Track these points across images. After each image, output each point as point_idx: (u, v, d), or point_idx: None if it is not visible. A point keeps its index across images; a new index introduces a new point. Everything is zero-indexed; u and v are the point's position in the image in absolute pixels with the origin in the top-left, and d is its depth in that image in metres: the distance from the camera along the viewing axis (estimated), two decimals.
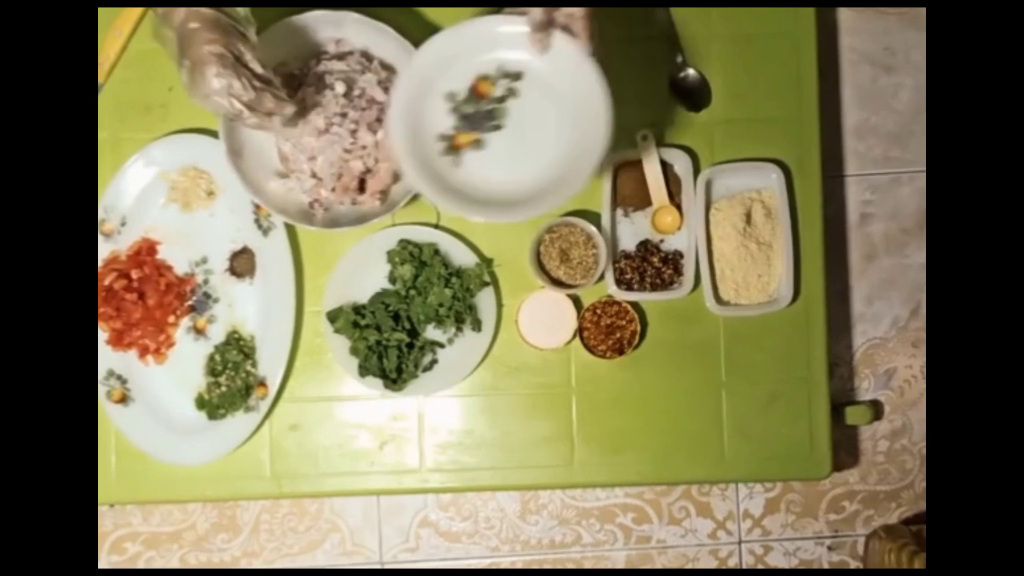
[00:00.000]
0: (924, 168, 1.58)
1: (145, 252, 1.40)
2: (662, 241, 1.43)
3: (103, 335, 1.39)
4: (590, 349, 1.40)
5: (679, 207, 1.42)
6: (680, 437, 1.42)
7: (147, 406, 1.38)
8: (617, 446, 1.42)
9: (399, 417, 1.42)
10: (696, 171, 1.42)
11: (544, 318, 1.41)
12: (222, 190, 1.40)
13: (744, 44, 1.44)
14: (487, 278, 1.40)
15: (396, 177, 1.36)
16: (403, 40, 1.35)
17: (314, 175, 1.34)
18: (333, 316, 1.39)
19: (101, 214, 1.39)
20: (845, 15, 1.59)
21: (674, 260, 1.42)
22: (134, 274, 1.38)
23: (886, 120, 1.58)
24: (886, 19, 1.59)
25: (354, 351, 1.39)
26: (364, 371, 1.39)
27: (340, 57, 1.36)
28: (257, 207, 1.38)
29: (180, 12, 1.14)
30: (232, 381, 1.38)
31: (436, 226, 1.42)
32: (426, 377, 1.41)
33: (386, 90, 1.33)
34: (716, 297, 1.41)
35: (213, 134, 1.38)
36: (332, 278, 1.40)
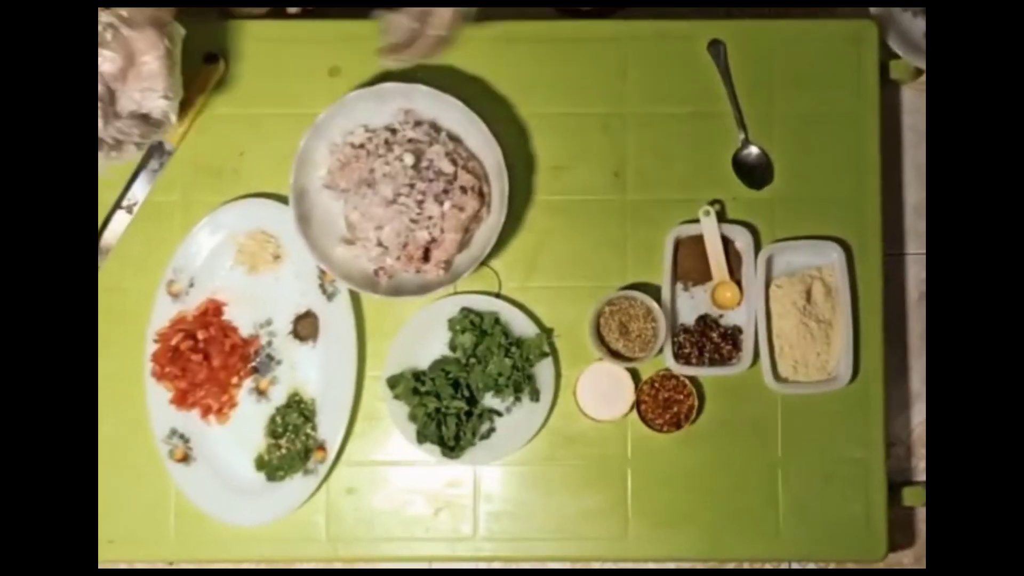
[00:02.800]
0: None
1: (212, 313, 1.42)
2: (721, 316, 1.43)
3: (168, 394, 1.40)
4: (647, 422, 1.40)
5: (739, 283, 1.43)
6: (735, 513, 1.42)
7: (208, 466, 1.40)
8: (671, 520, 1.42)
9: (454, 484, 1.43)
10: (757, 247, 1.42)
11: (602, 390, 1.41)
12: (288, 254, 1.42)
13: (807, 123, 1.45)
14: (547, 348, 1.41)
15: (461, 247, 1.38)
16: (470, 112, 1.37)
17: (380, 243, 1.36)
18: (393, 382, 1.40)
19: (170, 275, 1.41)
20: (908, 95, 1.60)
21: (733, 336, 1.42)
22: (200, 335, 1.40)
23: None
24: None
25: (413, 417, 1.40)
26: (422, 437, 1.40)
27: (409, 128, 1.38)
28: (322, 272, 1.40)
29: None
30: (292, 444, 1.40)
31: (498, 295, 1.43)
32: (483, 445, 1.41)
33: (453, 161, 1.36)
34: (775, 374, 1.41)
35: (282, 199, 1.41)
36: (394, 344, 1.41)
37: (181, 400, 1.41)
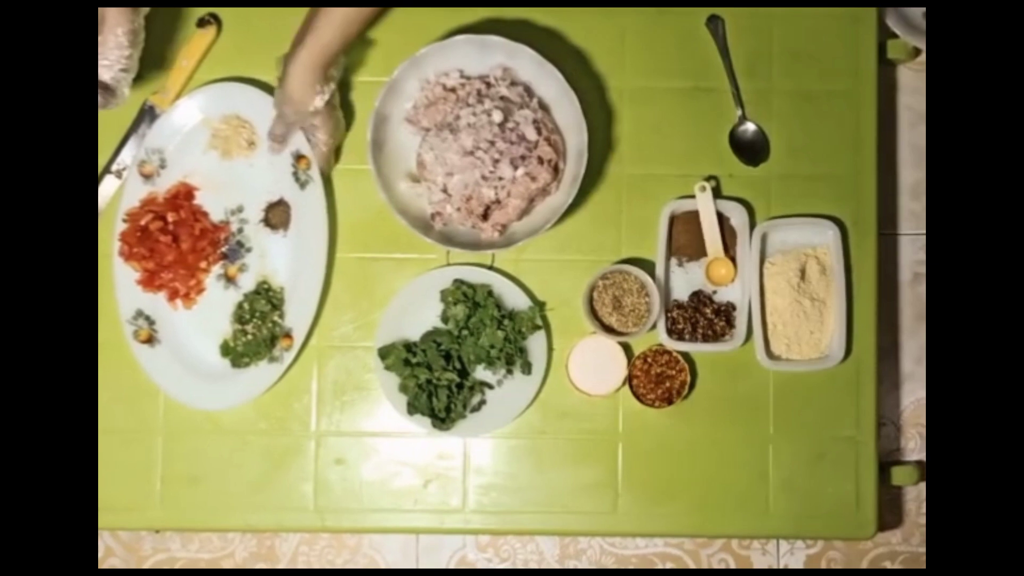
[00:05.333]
0: None
1: (183, 196, 1.41)
2: (715, 292, 1.43)
3: (134, 275, 1.40)
4: (639, 397, 1.40)
5: (733, 259, 1.42)
6: (725, 490, 1.42)
7: (173, 349, 1.40)
8: (661, 496, 1.41)
9: (445, 456, 1.42)
10: (752, 224, 1.42)
11: (594, 364, 1.41)
12: (262, 141, 1.41)
13: (804, 101, 1.45)
14: (539, 322, 1.40)
15: (521, 215, 1.37)
16: (567, 86, 1.35)
17: (445, 190, 1.35)
18: (384, 352, 1.39)
19: (143, 155, 1.40)
20: (905, 75, 1.59)
21: (726, 312, 1.42)
22: (170, 216, 1.39)
23: None
24: None
25: (403, 388, 1.39)
26: (413, 409, 1.39)
27: (505, 85, 1.37)
28: (297, 160, 1.39)
29: None
30: (259, 330, 1.39)
31: (491, 267, 1.42)
32: (474, 417, 1.41)
33: (538, 130, 1.34)
34: (767, 351, 1.41)
35: (260, 84, 1.41)
36: (385, 314, 1.40)
37: (148, 282, 1.39)
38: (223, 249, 1.41)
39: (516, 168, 1.33)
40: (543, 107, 1.39)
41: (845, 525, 1.42)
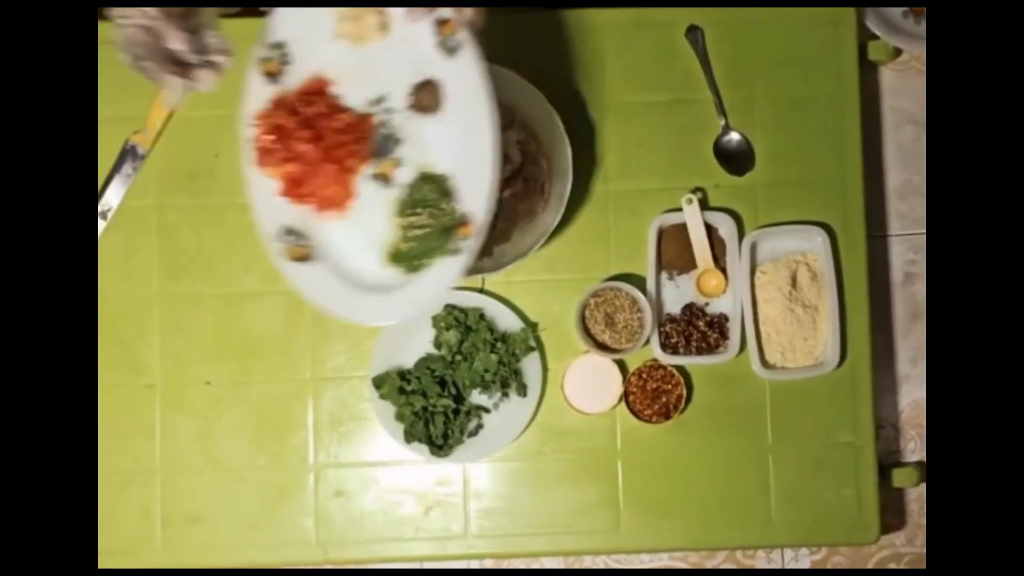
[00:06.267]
0: None
1: (316, 92, 1.22)
2: (707, 304, 1.43)
3: (276, 186, 1.21)
4: (636, 414, 1.40)
5: (724, 270, 1.42)
6: (726, 502, 1.41)
7: (332, 265, 1.22)
8: (663, 511, 1.41)
9: (444, 482, 1.41)
10: (741, 234, 1.42)
11: (589, 383, 1.41)
12: (395, 20, 1.19)
13: (787, 107, 1.44)
14: (532, 343, 1.40)
15: (508, 238, 1.36)
16: (549, 106, 1.33)
17: None
18: (379, 382, 1.39)
19: (262, 52, 1.22)
20: (887, 75, 1.59)
21: (719, 323, 1.42)
22: (306, 111, 1.20)
23: None
24: None
25: (400, 417, 1.39)
26: (410, 437, 1.38)
27: None
28: (439, 25, 1.16)
29: None
30: (431, 222, 1.19)
31: (481, 291, 1.42)
32: (472, 442, 1.40)
33: (523, 152, 1.33)
34: (762, 361, 1.41)
35: None
36: (378, 343, 1.40)
37: (292, 192, 1.21)
38: (371, 146, 1.21)
39: (502, 191, 1.33)
40: (526, 128, 1.38)
41: (848, 530, 1.42)
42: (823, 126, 1.45)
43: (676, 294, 1.43)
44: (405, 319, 1.23)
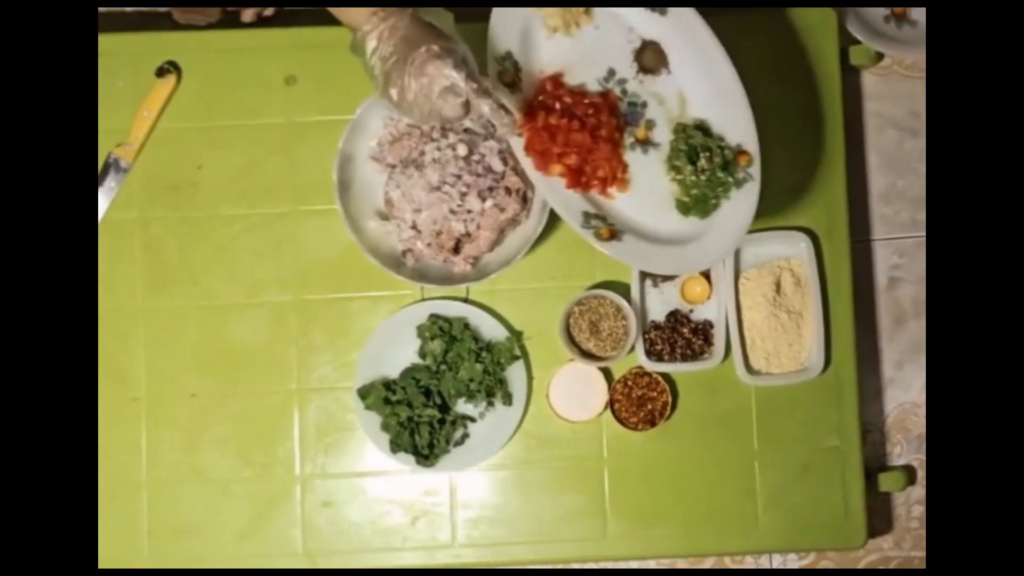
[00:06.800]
0: None
1: (554, 87, 1.30)
2: (692, 311, 1.43)
3: (562, 182, 1.28)
4: (621, 421, 1.40)
5: (708, 277, 1.42)
6: (713, 508, 1.42)
7: (636, 234, 1.28)
8: (650, 518, 1.41)
9: (431, 492, 1.41)
10: None
11: (575, 391, 1.41)
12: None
13: (769, 113, 1.43)
14: (517, 352, 1.40)
15: (492, 247, 1.37)
16: None
17: (414, 226, 1.34)
18: (364, 392, 1.39)
19: (495, 66, 1.28)
20: (870, 80, 1.59)
21: (704, 330, 1.42)
22: (557, 105, 1.28)
23: (912, 184, 1.58)
24: (911, 83, 1.59)
25: (385, 427, 1.39)
26: (396, 447, 1.38)
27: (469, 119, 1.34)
28: None
29: (390, 21, 1.13)
30: (708, 165, 1.27)
31: (466, 300, 1.42)
32: (458, 452, 1.40)
33: (504, 161, 1.34)
34: (747, 367, 1.41)
35: None
36: (363, 354, 1.40)
37: (575, 181, 1.27)
38: (621, 118, 1.30)
39: (484, 200, 1.33)
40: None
41: (835, 535, 1.43)
42: (806, 131, 1.46)
43: (660, 301, 1.43)
44: (725, 256, 1.33)
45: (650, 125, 1.31)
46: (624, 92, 1.32)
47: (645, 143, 1.31)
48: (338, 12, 1.15)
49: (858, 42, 1.54)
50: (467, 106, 1.14)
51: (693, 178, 1.28)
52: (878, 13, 1.58)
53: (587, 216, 1.27)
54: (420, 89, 1.13)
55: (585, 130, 1.27)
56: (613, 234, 1.26)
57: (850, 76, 1.57)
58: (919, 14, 1.58)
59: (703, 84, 1.31)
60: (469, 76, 1.12)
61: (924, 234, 1.58)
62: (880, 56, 1.57)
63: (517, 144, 1.26)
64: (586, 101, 1.28)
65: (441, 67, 1.12)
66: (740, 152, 1.29)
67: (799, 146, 1.45)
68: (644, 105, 1.31)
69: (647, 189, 1.30)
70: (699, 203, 1.29)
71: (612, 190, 1.29)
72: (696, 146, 1.28)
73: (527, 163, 1.26)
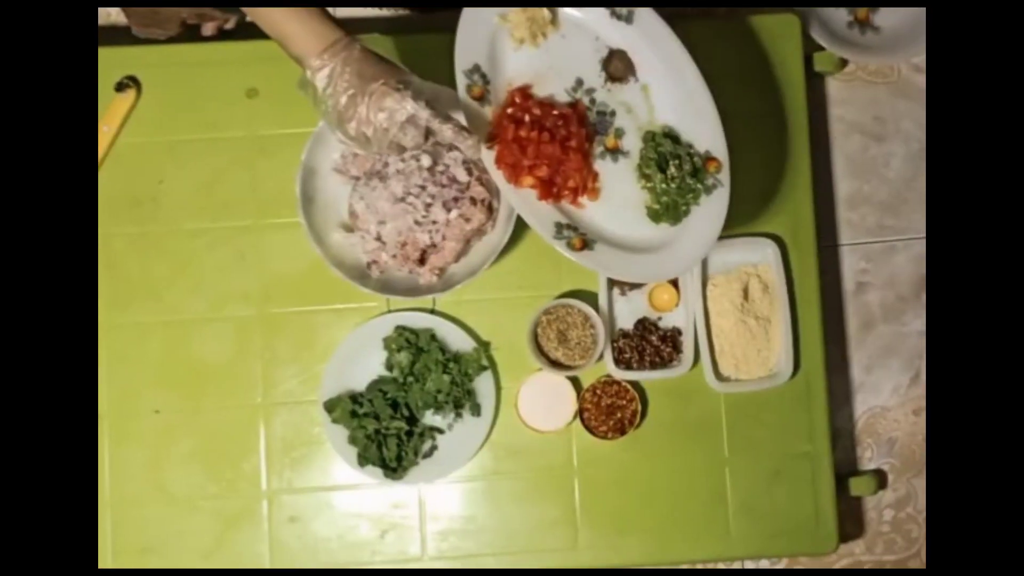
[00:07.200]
0: (918, 235, 1.59)
1: (523, 98, 1.29)
2: (660, 319, 1.42)
3: (533, 194, 1.26)
4: (591, 430, 1.39)
5: (675, 284, 1.42)
6: (684, 516, 1.41)
7: (608, 243, 1.27)
8: (621, 527, 1.40)
9: (399, 505, 1.40)
10: None
11: (544, 400, 1.40)
12: (561, 11, 1.32)
13: (734, 120, 1.43)
14: (485, 362, 1.39)
15: (458, 257, 1.36)
16: None
17: (379, 238, 1.33)
18: (331, 406, 1.38)
19: (464, 80, 1.27)
20: (834, 86, 1.59)
21: (672, 338, 1.41)
22: (526, 117, 1.27)
23: (878, 189, 1.58)
24: (875, 89, 1.60)
25: (353, 440, 1.37)
26: (363, 460, 1.37)
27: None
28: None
29: (340, 56, 1.13)
30: (677, 172, 1.28)
31: (432, 311, 1.41)
32: (426, 464, 1.39)
33: (468, 171, 1.33)
34: (716, 373, 1.40)
35: None
36: (329, 367, 1.39)
37: (546, 192, 1.26)
38: (591, 128, 1.30)
39: (449, 211, 1.32)
40: None
41: (807, 540, 1.42)
42: (771, 138, 1.46)
43: (628, 309, 1.43)
44: (697, 262, 1.35)
45: (619, 133, 1.31)
46: (593, 101, 1.31)
47: (615, 152, 1.31)
48: (285, 43, 1.14)
49: (822, 48, 1.54)
50: (426, 133, 1.15)
51: (663, 185, 1.28)
52: (842, 20, 1.59)
53: (559, 227, 1.26)
54: (380, 123, 1.13)
55: (555, 142, 1.26)
56: (585, 244, 1.26)
57: (815, 82, 1.58)
58: (882, 20, 1.59)
59: (671, 91, 1.32)
60: (427, 105, 1.13)
61: (891, 239, 1.58)
62: (844, 62, 1.58)
63: (488, 157, 1.25)
64: (555, 112, 1.28)
65: (400, 99, 1.13)
66: (709, 159, 1.30)
67: (765, 153, 1.45)
68: (613, 114, 1.31)
69: (618, 197, 1.30)
70: (669, 210, 1.29)
71: (583, 199, 1.29)
72: (665, 153, 1.29)
73: (498, 176, 1.25)
